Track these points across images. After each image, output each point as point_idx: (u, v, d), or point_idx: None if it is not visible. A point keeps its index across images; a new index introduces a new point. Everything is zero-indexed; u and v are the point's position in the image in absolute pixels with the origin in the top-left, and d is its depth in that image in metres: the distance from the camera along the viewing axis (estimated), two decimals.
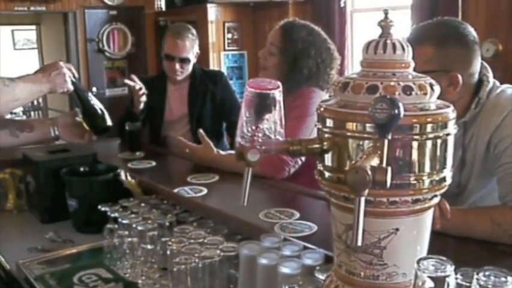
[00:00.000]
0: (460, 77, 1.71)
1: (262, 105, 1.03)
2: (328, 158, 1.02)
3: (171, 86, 3.53)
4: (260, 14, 6.32)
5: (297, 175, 2.43)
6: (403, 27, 4.70)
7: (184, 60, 3.39)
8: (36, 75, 2.15)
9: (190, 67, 3.46)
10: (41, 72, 2.16)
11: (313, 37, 2.67)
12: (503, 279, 0.90)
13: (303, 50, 2.61)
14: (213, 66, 6.36)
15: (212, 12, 6.50)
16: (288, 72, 2.58)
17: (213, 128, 3.44)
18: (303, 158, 2.43)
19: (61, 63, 2.20)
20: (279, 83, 1.06)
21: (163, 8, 7.41)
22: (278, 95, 1.05)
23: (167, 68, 3.46)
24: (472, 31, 1.80)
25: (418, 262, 0.93)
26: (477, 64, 1.81)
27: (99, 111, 2.29)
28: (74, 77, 2.22)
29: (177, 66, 3.38)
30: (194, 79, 3.49)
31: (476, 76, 1.82)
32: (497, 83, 1.84)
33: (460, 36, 1.78)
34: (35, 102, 10.60)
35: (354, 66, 5.63)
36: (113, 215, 1.90)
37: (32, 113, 10.52)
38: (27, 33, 10.49)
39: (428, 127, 0.97)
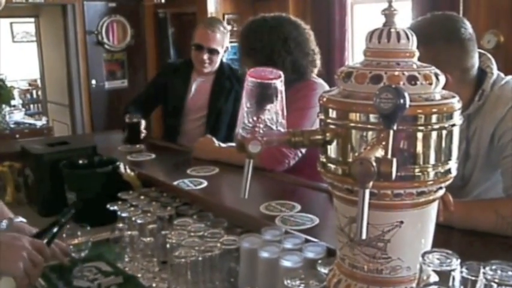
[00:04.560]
0: (449, 76, 1.67)
1: (263, 95, 1.01)
2: (331, 150, 1.00)
3: (196, 75, 3.48)
4: (260, 6, 6.28)
5: (299, 168, 2.40)
6: (404, 19, 4.67)
7: (213, 52, 3.33)
8: None
9: (218, 60, 3.40)
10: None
11: (264, 32, 2.57)
12: (510, 273, 0.88)
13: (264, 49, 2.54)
14: None
15: (212, 4, 6.46)
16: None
17: (230, 126, 3.40)
18: (303, 151, 2.40)
19: (27, 244, 1.57)
20: (281, 73, 1.04)
21: (163, 0, 7.37)
22: (280, 84, 1.03)
23: (195, 58, 3.40)
24: (464, 26, 1.76)
25: (423, 256, 0.92)
26: (470, 60, 1.77)
27: None
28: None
29: (205, 56, 3.33)
30: (221, 74, 3.44)
31: (475, 70, 1.79)
32: (502, 75, 1.82)
33: (447, 34, 1.75)
34: (34, 95, 10.60)
35: (354, 59, 5.61)
36: (112, 208, 1.89)
37: (32, 105, 10.51)
38: (26, 26, 10.46)
39: (434, 118, 0.95)
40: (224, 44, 3.41)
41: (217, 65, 3.43)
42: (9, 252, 1.54)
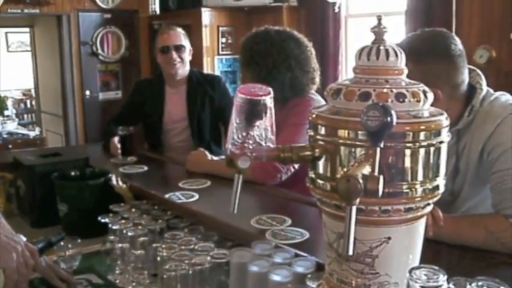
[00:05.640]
0: (439, 92, 1.68)
1: (253, 111, 1.02)
2: (319, 166, 1.01)
3: (169, 89, 3.49)
4: (254, 19, 6.31)
5: (291, 183, 2.41)
6: (397, 33, 4.70)
7: (180, 48, 3.34)
8: None
9: (187, 59, 3.40)
10: None
11: (264, 45, 2.56)
12: None
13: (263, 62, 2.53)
14: (206, 70, 6.35)
15: (206, 16, 6.50)
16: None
17: (212, 131, 3.43)
18: (296, 166, 2.41)
19: (22, 243, 1.61)
20: (270, 89, 1.05)
21: (158, 12, 7.40)
22: (269, 101, 1.04)
23: (164, 63, 3.40)
24: (454, 42, 1.78)
25: (410, 272, 0.92)
26: (460, 76, 1.79)
27: None
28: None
29: (174, 55, 3.32)
30: (192, 82, 3.45)
31: (464, 86, 1.81)
32: (491, 91, 1.84)
33: (437, 50, 1.77)
34: (28, 105, 10.58)
35: (348, 72, 5.63)
36: (103, 221, 1.89)
37: (25, 115, 10.49)
38: (21, 36, 10.48)
39: (422, 135, 0.96)
40: (187, 44, 3.42)
41: (187, 66, 3.43)
42: (5, 244, 1.55)
